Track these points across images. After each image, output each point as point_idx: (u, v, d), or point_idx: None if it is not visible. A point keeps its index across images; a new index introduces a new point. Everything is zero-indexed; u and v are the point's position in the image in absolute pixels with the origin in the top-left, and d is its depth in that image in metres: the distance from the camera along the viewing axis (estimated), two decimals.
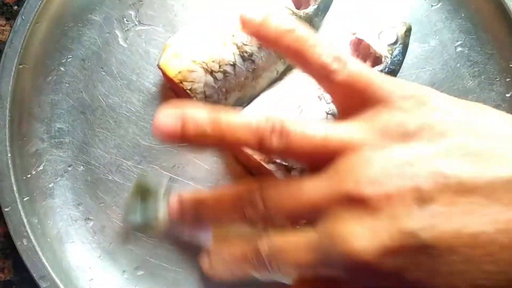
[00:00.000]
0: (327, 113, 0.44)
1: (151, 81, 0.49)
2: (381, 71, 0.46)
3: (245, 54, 0.44)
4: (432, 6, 0.51)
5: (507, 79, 0.50)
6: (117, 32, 0.50)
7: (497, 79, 0.50)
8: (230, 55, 0.44)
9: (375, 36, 0.47)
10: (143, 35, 0.50)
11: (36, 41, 0.47)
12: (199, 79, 0.43)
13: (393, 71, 0.47)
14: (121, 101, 0.48)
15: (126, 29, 0.50)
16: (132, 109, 0.48)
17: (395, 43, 0.47)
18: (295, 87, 0.46)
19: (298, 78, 0.47)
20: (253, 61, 0.44)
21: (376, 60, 0.47)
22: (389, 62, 0.46)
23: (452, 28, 0.51)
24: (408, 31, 0.48)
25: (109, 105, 0.48)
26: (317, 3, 0.47)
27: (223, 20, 0.45)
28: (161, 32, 0.50)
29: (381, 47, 0.47)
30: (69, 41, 0.49)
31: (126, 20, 0.50)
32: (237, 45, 0.44)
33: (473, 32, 0.51)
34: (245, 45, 0.44)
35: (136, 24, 0.50)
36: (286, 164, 0.43)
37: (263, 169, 0.44)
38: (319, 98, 0.44)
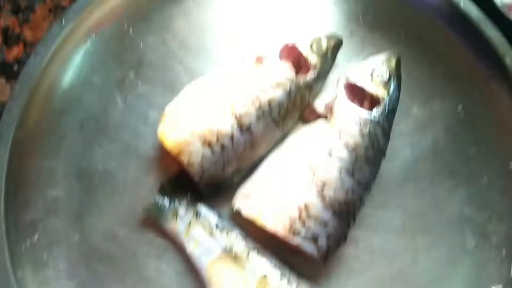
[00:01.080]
0: (340, 169, 0.42)
1: (149, 143, 0.48)
2: (382, 113, 0.45)
3: (243, 127, 0.43)
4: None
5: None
6: (116, 94, 0.49)
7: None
8: (228, 126, 0.43)
9: (367, 77, 0.46)
10: (142, 97, 0.49)
11: (34, 106, 0.47)
12: (196, 153, 0.43)
13: (393, 110, 0.45)
14: (119, 166, 0.48)
15: (125, 91, 0.49)
16: (130, 174, 0.48)
17: (389, 79, 0.46)
18: (301, 148, 0.44)
19: (301, 139, 0.45)
20: (251, 133, 0.44)
21: (373, 100, 0.46)
22: (387, 102, 0.45)
23: (454, 90, 0.50)
24: (398, 61, 0.47)
25: (106, 171, 0.48)
26: (316, 71, 0.47)
27: (223, 85, 0.45)
28: (160, 94, 0.49)
29: (376, 88, 0.45)
30: (68, 104, 0.49)
31: (126, 82, 0.50)
32: (235, 115, 0.43)
33: (476, 95, 0.50)
34: (244, 115, 0.43)
35: (135, 86, 0.50)
36: None
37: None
38: (329, 154, 0.43)
